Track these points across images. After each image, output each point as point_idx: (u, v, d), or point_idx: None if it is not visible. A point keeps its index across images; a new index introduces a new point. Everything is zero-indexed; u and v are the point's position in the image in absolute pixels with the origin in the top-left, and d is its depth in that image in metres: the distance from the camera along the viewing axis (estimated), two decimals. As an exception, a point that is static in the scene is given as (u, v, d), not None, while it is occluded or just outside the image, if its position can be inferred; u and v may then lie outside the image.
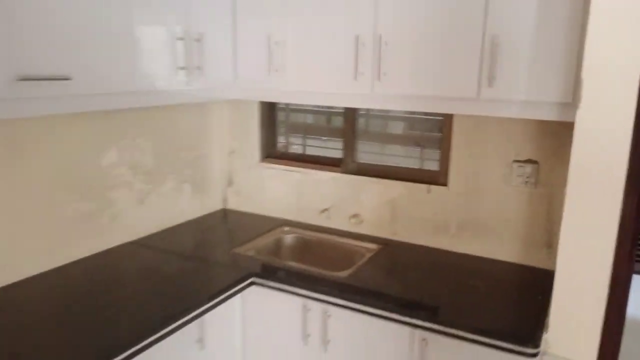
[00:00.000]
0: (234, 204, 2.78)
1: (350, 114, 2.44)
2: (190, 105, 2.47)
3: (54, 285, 1.82)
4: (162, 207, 2.39)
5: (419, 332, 1.69)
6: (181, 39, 1.90)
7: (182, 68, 1.91)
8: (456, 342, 1.61)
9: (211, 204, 2.72)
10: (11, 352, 1.41)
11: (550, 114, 1.64)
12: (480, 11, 1.70)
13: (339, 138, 2.51)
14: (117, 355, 1.43)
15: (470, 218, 2.17)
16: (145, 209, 2.30)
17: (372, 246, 2.29)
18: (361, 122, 2.47)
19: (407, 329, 1.71)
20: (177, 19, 1.89)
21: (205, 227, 2.52)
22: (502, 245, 2.12)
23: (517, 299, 1.84)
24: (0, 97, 1.33)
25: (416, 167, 2.36)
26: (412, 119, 2.41)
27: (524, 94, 1.66)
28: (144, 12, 1.76)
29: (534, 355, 1.50)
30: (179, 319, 1.65)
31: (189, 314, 1.68)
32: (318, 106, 2.65)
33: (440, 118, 2.23)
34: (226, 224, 2.62)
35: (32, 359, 1.38)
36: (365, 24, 1.90)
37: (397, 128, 2.49)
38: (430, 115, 2.31)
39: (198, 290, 1.82)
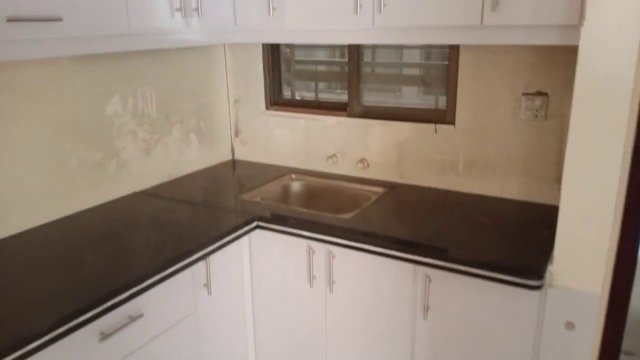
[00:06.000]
0: (242, 154, 2.77)
1: (354, 54, 2.36)
2: (193, 52, 2.43)
3: (62, 233, 1.85)
4: (169, 157, 2.40)
5: (422, 269, 1.68)
6: (174, -21, 1.85)
7: (179, 9, 1.86)
8: (459, 277, 1.59)
9: (219, 155, 2.71)
10: (18, 296, 1.45)
11: (557, 38, 1.55)
12: None
13: (343, 82, 2.45)
14: (122, 293, 1.46)
15: (477, 156, 2.12)
16: (152, 159, 2.31)
17: (379, 190, 2.26)
18: (366, 63, 2.40)
19: (410, 266, 1.69)
20: (168, -42, 1.84)
21: (213, 176, 2.53)
22: (510, 182, 2.06)
23: (523, 234, 1.79)
24: (-12, 38, 1.32)
25: (423, 107, 2.30)
26: (418, 57, 2.34)
27: (530, 18, 1.57)
28: (132, -49, 1.71)
29: (538, 287, 1.47)
30: (183, 260, 1.66)
31: (192, 254, 1.69)
32: (321, 47, 2.58)
33: (446, 50, 2.14)
34: (233, 174, 2.62)
35: (42, 300, 1.42)
36: (362, -46, 1.82)
37: (403, 68, 2.42)
38: (437, 49, 2.23)
39: (201, 234, 1.83)
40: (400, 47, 2.36)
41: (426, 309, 1.71)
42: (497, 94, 2.01)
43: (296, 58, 2.63)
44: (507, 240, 1.75)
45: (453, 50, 2.08)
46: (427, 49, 2.29)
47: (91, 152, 2.03)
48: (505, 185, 2.08)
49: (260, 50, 2.57)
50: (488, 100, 2.04)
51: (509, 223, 1.90)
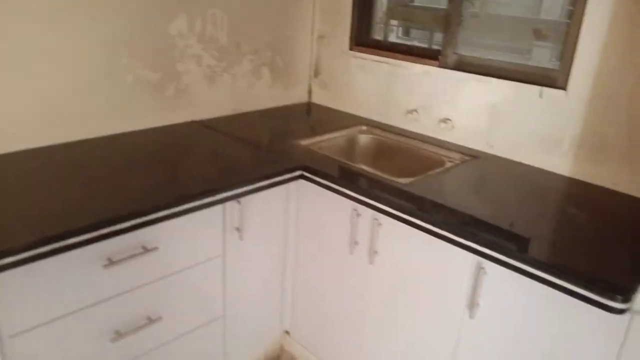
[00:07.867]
0: (319, 98, 2.52)
1: (457, -8, 1.97)
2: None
3: (105, 150, 1.78)
4: (235, 90, 2.24)
5: (477, 259, 1.34)
6: None
7: None
8: (521, 278, 1.24)
9: (294, 95, 2.50)
10: (37, 201, 1.39)
11: None
12: None
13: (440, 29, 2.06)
14: (132, 219, 1.33)
15: (591, 133, 1.66)
16: (215, 89, 2.16)
17: (457, 156, 1.90)
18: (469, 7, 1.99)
19: (464, 253, 1.36)
20: None
21: (280, 117, 2.33)
22: (627, 173, 1.59)
23: (623, 241, 1.36)
24: None
25: (531, 63, 1.86)
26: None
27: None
28: None
29: (621, 311, 1.08)
30: (206, 197, 1.49)
31: (217, 193, 1.52)
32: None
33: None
34: (303, 118, 2.39)
35: (52, 210, 1.35)
36: None
37: (513, 11, 1.97)
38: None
39: (236, 174, 1.64)
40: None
41: (474, 306, 1.39)
42: (635, 54, 1.52)
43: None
44: (599, 245, 1.33)
45: (579, -9, 1.61)
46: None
47: (149, 71, 1.93)
48: (620, 174, 1.62)
49: (352, -21, 2.26)
50: (618, 62, 1.56)
51: (610, 223, 1.46)
